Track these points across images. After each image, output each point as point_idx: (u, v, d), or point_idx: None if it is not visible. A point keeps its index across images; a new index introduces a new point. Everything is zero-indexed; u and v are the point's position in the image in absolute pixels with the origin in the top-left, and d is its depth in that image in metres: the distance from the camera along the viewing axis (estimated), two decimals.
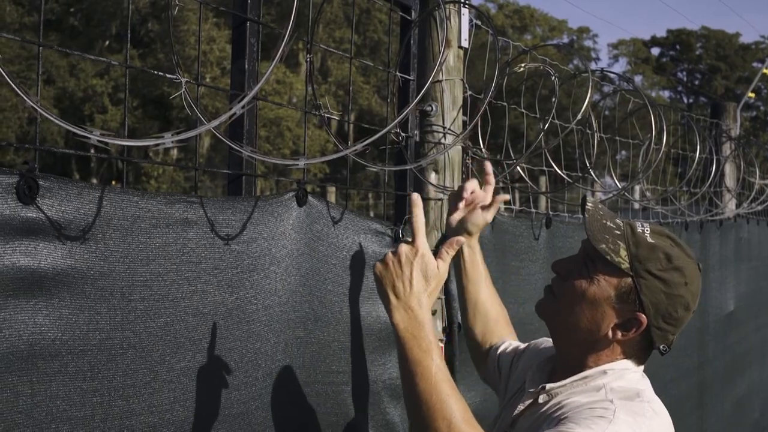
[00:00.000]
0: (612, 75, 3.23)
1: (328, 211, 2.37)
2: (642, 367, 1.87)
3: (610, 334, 1.78)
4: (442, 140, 2.88)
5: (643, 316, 1.76)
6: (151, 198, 1.84)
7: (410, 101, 2.79)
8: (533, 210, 3.34)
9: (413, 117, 2.79)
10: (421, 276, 1.70)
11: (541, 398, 1.85)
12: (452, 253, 1.79)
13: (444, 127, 2.88)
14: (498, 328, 2.36)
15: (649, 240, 1.77)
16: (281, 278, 2.16)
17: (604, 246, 1.75)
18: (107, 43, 27.45)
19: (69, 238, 1.65)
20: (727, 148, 5.43)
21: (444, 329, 2.83)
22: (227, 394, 2.00)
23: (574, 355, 1.84)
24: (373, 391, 2.49)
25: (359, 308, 2.47)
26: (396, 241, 2.66)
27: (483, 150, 2.99)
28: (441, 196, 2.86)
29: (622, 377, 1.78)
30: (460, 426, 1.63)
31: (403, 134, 2.72)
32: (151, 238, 1.82)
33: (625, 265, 1.74)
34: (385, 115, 2.86)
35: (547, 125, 2.81)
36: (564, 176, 3.34)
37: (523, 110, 3.35)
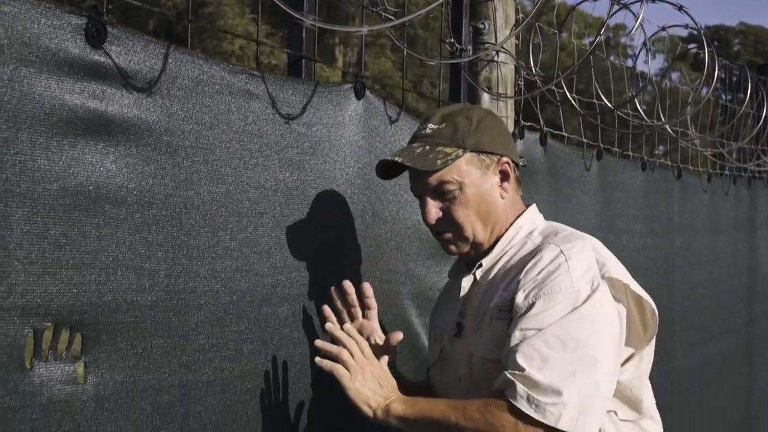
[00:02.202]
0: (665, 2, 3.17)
1: (385, 110, 2.34)
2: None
3: (503, 194, 1.89)
4: (495, 58, 2.85)
5: (502, 158, 1.88)
6: (215, 64, 1.82)
7: (463, 16, 2.77)
8: (584, 140, 3.29)
9: (467, 31, 2.76)
10: (379, 386, 1.82)
11: (479, 275, 1.89)
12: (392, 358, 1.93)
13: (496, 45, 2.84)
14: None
15: (443, 125, 1.88)
16: (339, 167, 2.14)
17: (438, 162, 1.83)
18: None
19: (135, 89, 1.64)
20: None
21: None
22: (287, 273, 1.98)
23: (488, 236, 1.89)
24: (430, 297, 2.46)
25: (415, 214, 2.44)
26: None
27: (535, 70, 2.94)
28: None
29: (534, 223, 1.92)
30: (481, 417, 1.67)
31: (457, 45, 2.69)
32: (214, 103, 1.81)
33: (459, 151, 1.84)
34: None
35: (594, 44, 2.77)
36: (610, 106, 3.29)
37: (573, 40, 3.31)
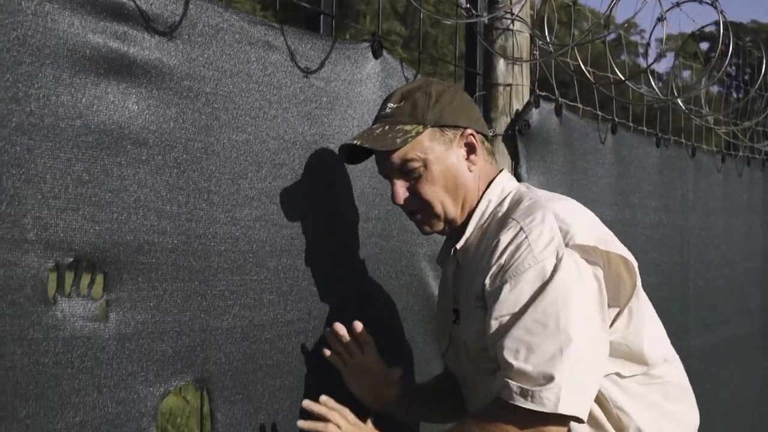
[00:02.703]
0: None
1: (402, 71, 2.34)
2: (507, 172, 1.92)
3: (470, 167, 1.85)
4: (510, 26, 2.84)
5: (466, 130, 1.84)
6: (234, 13, 1.83)
7: None
8: (599, 113, 3.28)
9: None
10: None
11: (461, 258, 1.85)
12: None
13: (512, 13, 2.84)
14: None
15: (402, 103, 1.83)
16: (357, 124, 2.14)
17: (398, 140, 1.78)
18: None
19: (156, 32, 1.64)
20: None
21: None
22: (306, 224, 1.98)
23: (460, 211, 1.85)
24: None
25: None
26: None
27: (550, 38, 2.94)
28: (510, 81, 2.82)
29: (503, 192, 1.86)
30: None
31: (473, 11, 2.68)
32: (234, 52, 1.81)
33: (419, 128, 1.80)
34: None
35: (610, 7, 2.77)
36: (622, 77, 3.27)
37: (588, 13, 3.31)
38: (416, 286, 2.35)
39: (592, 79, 3.23)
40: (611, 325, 1.74)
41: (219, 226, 1.76)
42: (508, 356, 1.61)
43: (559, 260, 1.64)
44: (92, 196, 1.51)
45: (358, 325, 1.93)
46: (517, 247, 1.67)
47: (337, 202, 2.08)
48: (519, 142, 2.81)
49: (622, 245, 1.77)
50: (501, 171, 1.91)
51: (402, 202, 1.83)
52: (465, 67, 2.72)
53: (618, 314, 1.75)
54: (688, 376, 1.91)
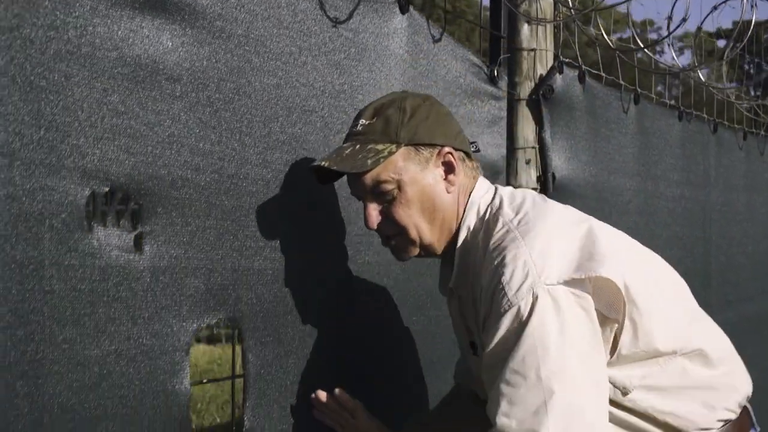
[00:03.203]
0: None
1: (428, 28, 2.34)
2: (482, 182, 1.79)
3: (449, 188, 1.72)
4: None
5: (443, 148, 1.71)
6: None
7: None
8: (621, 82, 3.28)
9: None
10: None
11: (459, 292, 1.76)
12: None
13: None
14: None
15: (374, 120, 1.70)
16: (385, 77, 2.15)
17: (369, 162, 1.66)
18: None
19: None
20: None
21: (538, 178, 2.79)
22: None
23: (438, 235, 1.73)
24: None
25: None
26: (491, 80, 2.63)
27: (573, 7, 2.94)
28: (534, 45, 2.82)
29: (479, 214, 1.73)
30: None
31: None
32: None
33: (392, 147, 1.68)
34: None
35: None
36: (641, 44, 3.27)
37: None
38: None
39: (613, 46, 3.23)
40: (617, 342, 1.61)
41: (251, 168, 1.77)
42: (492, 411, 1.52)
43: (535, 299, 1.52)
44: (127, 128, 1.52)
45: (341, 395, 1.86)
46: (493, 292, 1.56)
47: None
48: (543, 107, 2.80)
49: (615, 247, 1.63)
50: (475, 185, 1.77)
51: (375, 226, 1.71)
52: (490, 29, 2.72)
53: (621, 328, 1.61)
54: None
